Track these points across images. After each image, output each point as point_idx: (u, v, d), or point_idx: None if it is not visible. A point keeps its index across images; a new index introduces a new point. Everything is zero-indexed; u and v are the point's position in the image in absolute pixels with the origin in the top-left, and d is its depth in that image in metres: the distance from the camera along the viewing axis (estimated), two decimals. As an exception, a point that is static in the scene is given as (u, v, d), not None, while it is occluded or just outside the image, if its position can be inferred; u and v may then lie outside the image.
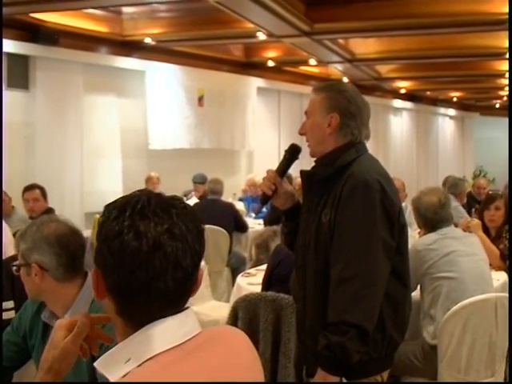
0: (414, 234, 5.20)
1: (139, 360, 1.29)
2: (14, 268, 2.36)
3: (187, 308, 1.40)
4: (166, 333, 1.33)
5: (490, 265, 4.71)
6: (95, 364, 1.36)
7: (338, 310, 2.37)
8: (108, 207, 1.37)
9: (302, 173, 2.68)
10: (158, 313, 1.34)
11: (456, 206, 6.43)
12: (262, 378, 1.47)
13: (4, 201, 6.14)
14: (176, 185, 9.63)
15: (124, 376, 1.28)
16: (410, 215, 5.76)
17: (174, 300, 1.35)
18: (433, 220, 4.02)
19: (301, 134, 2.67)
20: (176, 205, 1.37)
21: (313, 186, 2.62)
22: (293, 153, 2.71)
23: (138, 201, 1.35)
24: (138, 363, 1.29)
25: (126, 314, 1.36)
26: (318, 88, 2.69)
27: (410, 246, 3.93)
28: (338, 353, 2.33)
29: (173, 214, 1.35)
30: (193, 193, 9.25)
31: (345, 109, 2.55)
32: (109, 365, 1.33)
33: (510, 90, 7.54)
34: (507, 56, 10.21)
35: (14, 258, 4.45)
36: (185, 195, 9.28)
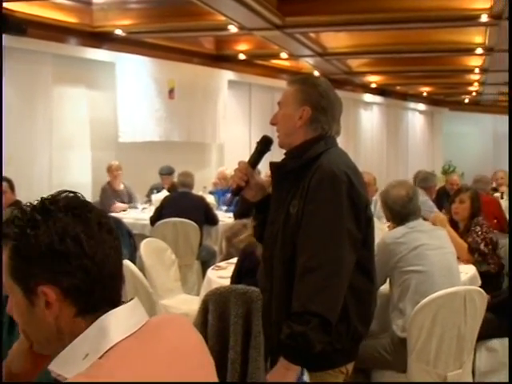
0: (383, 227, 5.22)
1: (99, 352, 1.29)
2: None
3: (132, 299, 1.43)
4: (119, 323, 1.35)
5: (458, 258, 4.76)
6: (49, 366, 1.35)
7: (302, 299, 2.37)
8: (14, 226, 1.36)
9: (272, 164, 2.68)
10: (115, 296, 1.39)
11: (425, 200, 6.47)
12: (208, 353, 1.51)
13: None
14: (146, 178, 9.59)
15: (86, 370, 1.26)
16: (379, 209, 5.80)
17: (118, 287, 1.41)
18: (401, 213, 4.05)
19: (272, 123, 2.68)
20: (95, 210, 1.41)
21: (281, 178, 2.62)
22: (265, 144, 2.72)
23: (44, 205, 1.38)
24: (98, 356, 1.29)
25: (89, 309, 1.36)
26: (292, 80, 2.70)
27: (378, 239, 3.98)
28: (301, 342, 2.32)
29: (81, 206, 1.40)
30: (164, 186, 9.22)
31: (317, 103, 2.56)
32: (65, 364, 1.32)
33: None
34: (478, 52, 10.31)
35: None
36: (155, 189, 9.24)
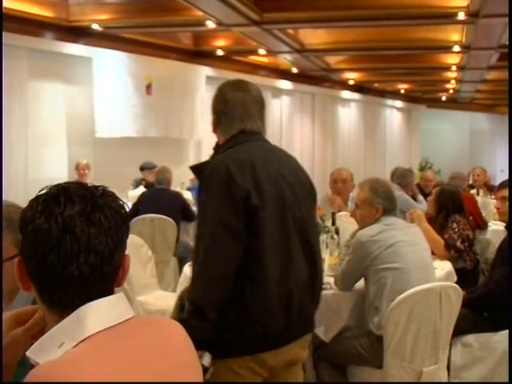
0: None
1: (73, 342, 1.30)
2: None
3: (118, 293, 1.42)
4: (98, 314, 1.35)
5: (435, 254, 4.79)
6: (27, 353, 1.35)
7: (187, 289, 2.60)
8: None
9: (191, 168, 2.93)
10: (76, 298, 1.35)
11: (400, 195, 6.50)
12: (195, 356, 1.50)
13: None
14: (123, 173, 9.54)
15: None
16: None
17: (92, 285, 1.37)
18: (392, 205, 4.08)
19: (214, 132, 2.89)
20: (94, 192, 1.40)
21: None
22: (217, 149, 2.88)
23: (55, 189, 1.39)
24: (73, 345, 1.29)
25: (46, 300, 1.38)
26: None
27: (354, 239, 3.98)
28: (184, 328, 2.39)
29: (88, 200, 1.37)
30: (145, 181, 9.19)
31: (217, 108, 2.80)
32: (41, 351, 1.33)
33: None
34: (455, 49, 10.37)
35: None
36: (136, 184, 9.19)
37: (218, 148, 2.82)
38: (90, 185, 1.45)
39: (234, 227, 2.51)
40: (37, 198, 1.39)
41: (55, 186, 1.41)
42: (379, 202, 4.04)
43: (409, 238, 3.94)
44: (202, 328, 2.47)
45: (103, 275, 1.38)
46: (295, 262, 2.66)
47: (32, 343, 1.52)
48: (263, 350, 2.61)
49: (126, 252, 1.48)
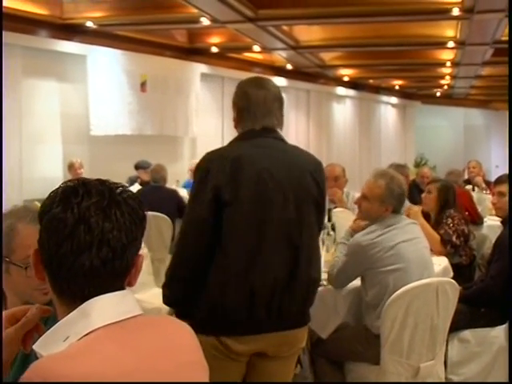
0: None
1: (78, 336, 1.31)
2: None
3: (126, 290, 1.43)
4: (104, 309, 1.35)
5: (431, 250, 4.78)
6: (34, 346, 1.37)
7: None
8: None
9: None
10: (86, 289, 1.36)
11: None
12: (201, 356, 1.51)
13: None
14: (118, 171, 9.50)
15: None
16: (352, 201, 5.80)
17: (102, 278, 1.38)
18: (401, 202, 3.98)
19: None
20: (113, 188, 1.41)
21: None
22: None
23: (75, 182, 1.41)
24: (78, 338, 1.30)
25: (57, 290, 1.39)
26: None
27: (352, 240, 3.93)
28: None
29: (106, 194, 1.38)
30: (138, 179, 9.17)
31: (237, 104, 2.94)
32: (47, 344, 1.34)
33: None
34: (449, 45, 10.37)
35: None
36: (130, 181, 9.18)
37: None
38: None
39: (201, 219, 2.74)
40: (57, 189, 1.41)
41: (75, 179, 1.44)
42: (391, 203, 3.91)
43: (409, 236, 3.86)
44: (165, 295, 2.86)
45: (114, 270, 1.39)
46: (265, 258, 2.76)
47: (25, 341, 1.53)
48: (223, 333, 2.77)
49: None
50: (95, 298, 1.36)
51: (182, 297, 2.84)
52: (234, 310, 2.76)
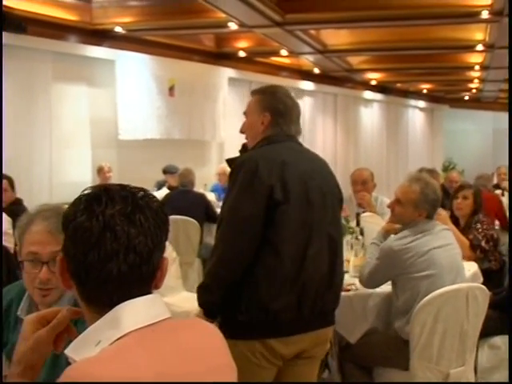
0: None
1: (109, 340, 1.32)
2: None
3: (155, 294, 1.44)
4: (134, 313, 1.36)
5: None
6: (66, 351, 1.38)
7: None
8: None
9: (227, 160, 3.10)
10: (114, 296, 1.37)
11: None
12: (230, 359, 1.51)
13: None
14: (146, 175, 9.56)
15: None
16: (381, 205, 5.78)
17: (130, 284, 1.39)
18: (435, 208, 3.95)
19: (241, 132, 3.11)
20: (135, 193, 1.43)
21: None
22: (244, 150, 3.10)
23: (97, 189, 1.43)
24: (109, 343, 1.32)
25: (85, 298, 1.40)
26: (253, 91, 3.14)
27: (384, 244, 3.90)
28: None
29: (129, 200, 1.40)
30: (166, 184, 9.21)
31: (275, 108, 2.96)
32: (79, 349, 1.35)
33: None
34: (478, 49, 10.29)
35: None
36: (158, 185, 9.23)
37: (245, 147, 3.08)
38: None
39: (247, 218, 2.72)
40: (79, 197, 1.41)
41: (97, 186, 1.45)
42: (425, 208, 3.87)
43: (442, 242, 3.82)
44: (207, 300, 2.82)
45: (142, 275, 1.40)
46: (314, 256, 2.81)
47: (57, 342, 1.54)
48: (271, 336, 2.76)
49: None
50: (125, 303, 1.37)
51: (221, 298, 2.79)
52: (285, 311, 2.76)
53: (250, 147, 3.05)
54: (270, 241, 2.75)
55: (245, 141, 3.13)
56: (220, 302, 2.80)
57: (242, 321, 2.74)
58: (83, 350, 1.33)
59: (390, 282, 3.91)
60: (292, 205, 2.76)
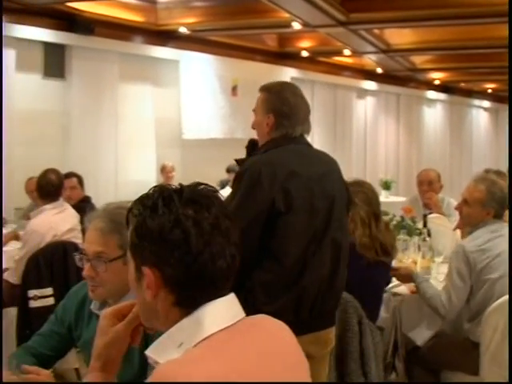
0: (451, 226, 5.07)
1: (192, 342, 1.33)
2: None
3: (230, 293, 1.45)
4: (216, 315, 1.38)
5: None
6: (146, 352, 1.39)
7: None
8: (140, 204, 1.42)
9: (236, 160, 3.09)
10: (212, 294, 1.39)
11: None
12: (302, 356, 1.52)
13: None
14: (209, 174, 9.62)
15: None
16: (448, 207, 5.69)
17: (229, 278, 1.42)
18: (503, 207, 3.86)
19: (253, 128, 3.02)
20: (207, 193, 1.45)
21: None
22: (252, 147, 3.09)
23: (171, 192, 1.42)
24: (192, 345, 1.33)
25: (179, 302, 1.39)
26: (261, 87, 3.02)
27: (448, 239, 3.85)
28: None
29: (210, 199, 1.43)
30: (229, 183, 9.26)
31: (279, 110, 2.88)
32: (161, 351, 1.36)
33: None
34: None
35: (51, 245, 4.49)
36: (221, 184, 9.29)
37: (253, 147, 3.04)
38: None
39: (246, 229, 2.57)
40: (160, 207, 1.39)
41: (162, 189, 1.43)
42: (493, 206, 3.79)
43: None
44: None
45: (235, 267, 1.44)
46: (315, 263, 2.78)
47: (133, 336, 1.57)
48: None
49: None
50: (207, 304, 1.38)
51: None
52: (280, 314, 2.71)
53: (260, 144, 2.99)
54: (271, 249, 2.74)
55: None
56: None
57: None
58: (165, 351, 1.35)
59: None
60: (295, 214, 2.73)
